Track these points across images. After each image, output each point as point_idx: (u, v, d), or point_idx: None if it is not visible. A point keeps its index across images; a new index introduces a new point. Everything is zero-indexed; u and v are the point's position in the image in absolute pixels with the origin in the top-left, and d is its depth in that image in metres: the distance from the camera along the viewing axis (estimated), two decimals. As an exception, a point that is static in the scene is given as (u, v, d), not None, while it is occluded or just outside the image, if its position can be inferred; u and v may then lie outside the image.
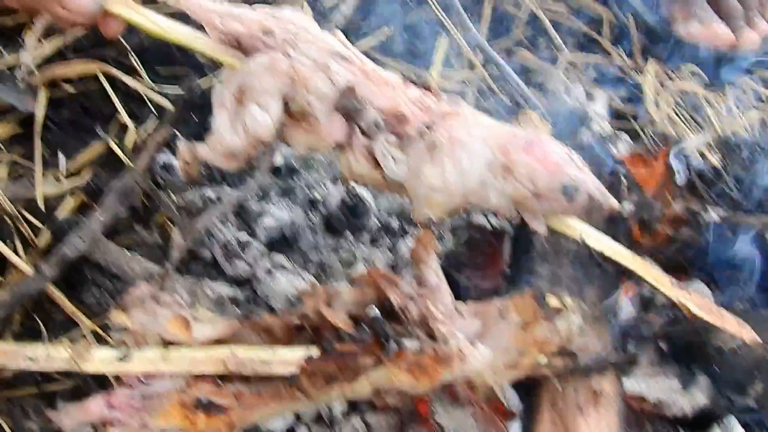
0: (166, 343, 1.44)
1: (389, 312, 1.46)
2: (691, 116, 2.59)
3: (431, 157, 1.50)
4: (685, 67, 2.73)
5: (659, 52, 2.78)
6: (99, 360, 1.40)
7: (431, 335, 1.43)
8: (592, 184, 1.54)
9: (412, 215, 1.54)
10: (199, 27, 1.52)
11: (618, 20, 2.87)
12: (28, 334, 1.86)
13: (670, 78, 2.69)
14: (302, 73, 1.48)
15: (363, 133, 1.50)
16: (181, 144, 1.55)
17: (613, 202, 1.57)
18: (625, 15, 2.85)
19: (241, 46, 1.51)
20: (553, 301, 1.52)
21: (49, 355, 1.40)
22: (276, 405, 1.39)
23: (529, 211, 1.58)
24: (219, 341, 1.46)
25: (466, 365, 1.42)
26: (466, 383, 1.47)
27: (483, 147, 1.53)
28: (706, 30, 2.74)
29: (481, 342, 1.48)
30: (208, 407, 1.33)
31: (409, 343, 1.38)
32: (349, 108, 1.47)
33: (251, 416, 1.39)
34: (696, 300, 1.63)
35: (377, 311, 1.39)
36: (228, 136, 1.49)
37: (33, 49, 2.25)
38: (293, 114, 1.52)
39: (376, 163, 1.53)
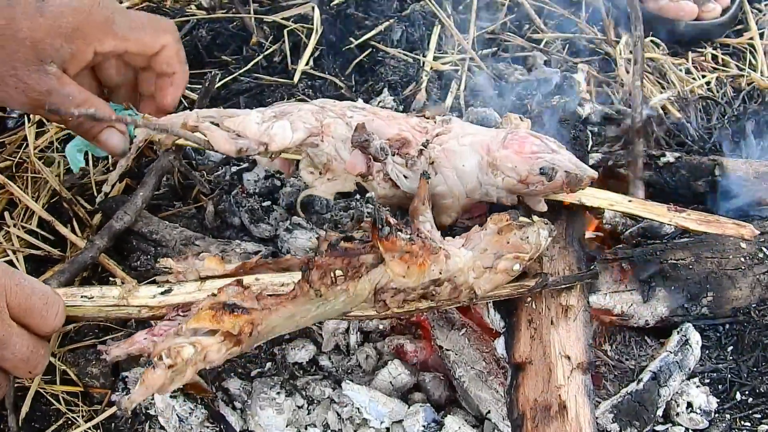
0: (203, 278, 1.59)
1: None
2: (656, 80, 2.74)
3: (433, 169, 1.72)
4: (652, 40, 2.88)
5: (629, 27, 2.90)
6: (145, 295, 1.55)
7: (421, 236, 1.57)
8: (568, 161, 1.72)
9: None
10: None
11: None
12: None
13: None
14: (327, 122, 1.72)
15: (375, 160, 1.70)
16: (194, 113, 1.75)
17: (591, 172, 1.74)
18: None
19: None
20: (523, 218, 1.66)
21: (103, 294, 1.54)
22: (292, 305, 1.48)
23: (523, 195, 1.78)
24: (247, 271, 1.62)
25: (450, 262, 1.56)
26: (450, 283, 1.60)
27: (472, 151, 1.74)
28: (674, 5, 2.89)
29: (463, 247, 1.63)
30: (233, 308, 1.42)
31: (401, 234, 1.49)
32: (360, 141, 1.66)
33: (271, 316, 1.47)
34: (694, 217, 1.81)
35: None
36: (251, 126, 1.69)
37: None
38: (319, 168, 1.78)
39: (395, 183, 1.75)
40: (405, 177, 1.74)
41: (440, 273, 1.55)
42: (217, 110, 1.79)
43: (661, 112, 2.52)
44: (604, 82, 2.68)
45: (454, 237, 1.70)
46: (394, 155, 1.73)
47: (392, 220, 1.48)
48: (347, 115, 1.75)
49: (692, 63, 2.82)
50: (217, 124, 1.72)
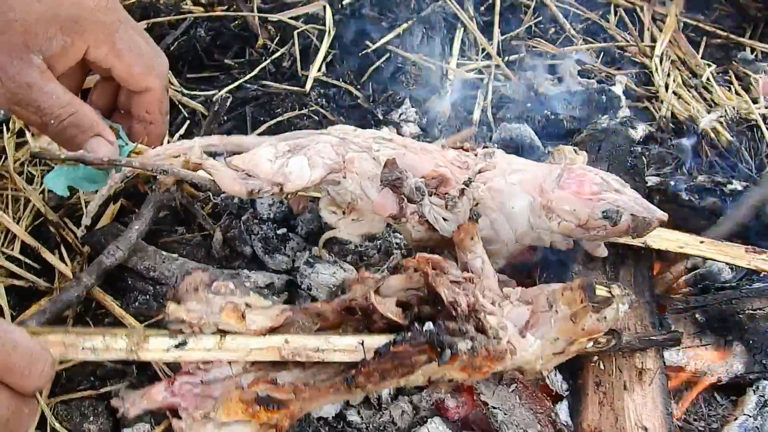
0: (222, 332, 1.39)
1: (436, 300, 1.40)
2: (700, 95, 2.52)
3: (477, 211, 1.54)
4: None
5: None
6: (156, 348, 1.34)
7: (481, 329, 1.37)
8: (633, 203, 1.52)
9: None
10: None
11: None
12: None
13: (680, 59, 2.62)
14: (350, 156, 1.54)
15: (410, 201, 1.52)
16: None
17: (661, 214, 1.54)
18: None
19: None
20: (601, 292, 1.47)
21: (107, 346, 1.32)
22: (333, 397, 1.35)
23: (581, 240, 1.60)
24: (272, 330, 1.41)
25: (517, 357, 1.38)
26: (515, 370, 1.43)
27: (522, 191, 1.54)
28: None
29: (530, 332, 1.43)
30: (267, 403, 1.28)
31: (462, 345, 1.32)
32: (392, 179, 1.48)
33: (310, 407, 1.35)
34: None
35: (431, 325, 1.33)
36: (263, 165, 1.51)
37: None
38: (342, 207, 1.62)
39: (432, 226, 1.56)
40: (444, 219, 1.55)
41: (504, 368, 1.40)
42: (220, 137, 1.62)
43: (712, 135, 2.31)
44: (643, 96, 2.46)
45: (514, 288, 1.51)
46: (431, 195, 1.54)
47: (449, 326, 1.35)
48: (373, 149, 1.56)
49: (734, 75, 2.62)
50: (221, 154, 1.58)
